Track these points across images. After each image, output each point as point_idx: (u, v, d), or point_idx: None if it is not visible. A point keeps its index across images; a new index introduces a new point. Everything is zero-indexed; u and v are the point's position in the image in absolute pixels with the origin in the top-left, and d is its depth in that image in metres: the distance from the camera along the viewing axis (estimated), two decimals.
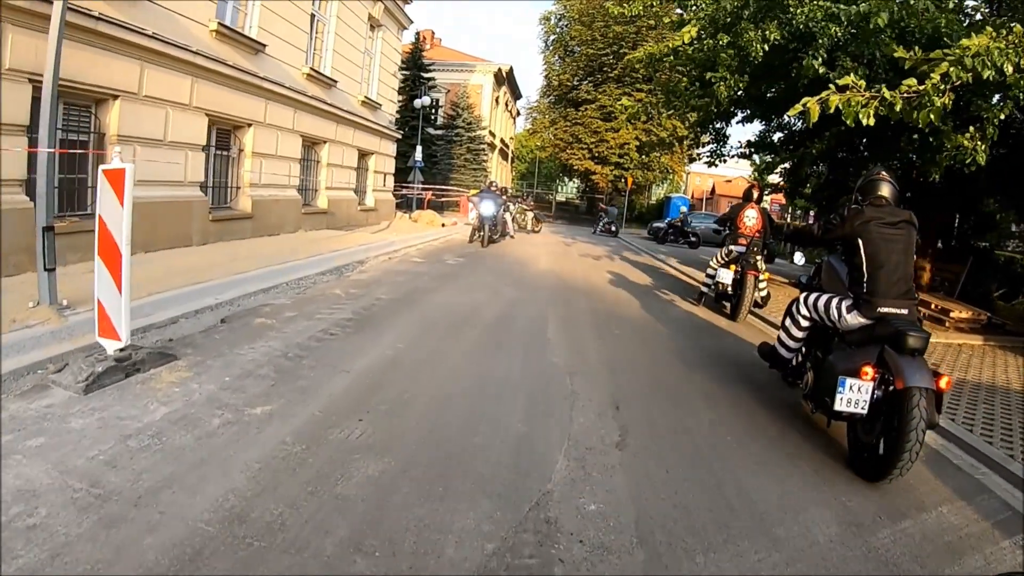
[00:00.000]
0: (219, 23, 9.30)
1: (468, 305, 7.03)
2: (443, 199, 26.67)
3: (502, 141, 43.98)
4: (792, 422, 4.24)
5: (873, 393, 3.41)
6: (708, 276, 8.82)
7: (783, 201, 41.01)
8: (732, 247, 8.20)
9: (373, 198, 17.18)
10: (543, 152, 48.63)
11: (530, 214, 22.03)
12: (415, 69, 31.24)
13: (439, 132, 34.18)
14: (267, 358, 4.34)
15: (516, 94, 48.70)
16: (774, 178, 14.24)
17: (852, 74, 6.16)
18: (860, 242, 3.78)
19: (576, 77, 36.77)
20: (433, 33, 41.78)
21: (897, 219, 3.76)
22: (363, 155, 16.42)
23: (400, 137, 19.53)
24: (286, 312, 5.83)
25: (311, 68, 12.35)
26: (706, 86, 8.53)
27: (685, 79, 9.70)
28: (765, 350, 4.91)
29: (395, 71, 18.20)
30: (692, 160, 12.39)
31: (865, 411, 3.41)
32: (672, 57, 9.00)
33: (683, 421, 3.99)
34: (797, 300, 4.47)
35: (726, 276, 8.13)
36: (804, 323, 4.33)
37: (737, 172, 56.93)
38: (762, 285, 8.13)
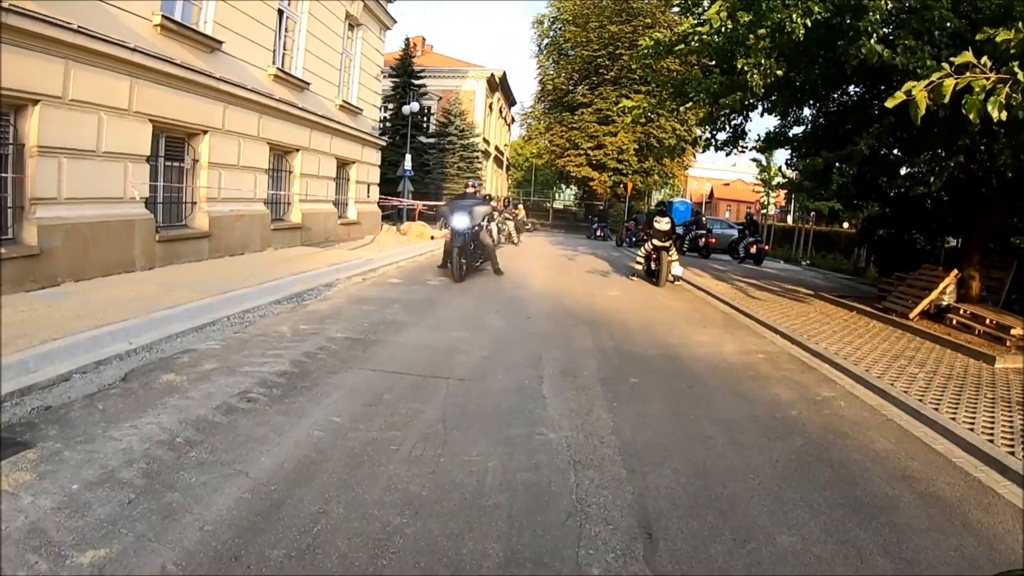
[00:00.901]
0: (164, 16, 8.11)
1: (440, 348, 5.61)
2: (433, 210, 25.41)
3: (497, 149, 42.83)
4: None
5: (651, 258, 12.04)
6: (636, 261, 12.88)
7: (783, 203, 39.97)
8: (652, 241, 12.16)
9: (355, 210, 15.93)
10: (539, 159, 47.40)
11: (511, 223, 19.43)
12: (405, 76, 30.13)
13: (431, 140, 33.01)
14: (146, 447, 3.08)
15: (510, 100, 47.59)
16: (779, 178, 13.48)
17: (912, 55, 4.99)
18: (652, 229, 11.89)
19: (571, 81, 35.56)
20: (424, 40, 40.71)
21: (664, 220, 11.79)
22: (343, 164, 15.19)
23: (385, 144, 18.33)
24: (206, 362, 4.55)
25: (279, 68, 11.17)
26: (732, 73, 7.24)
27: (696, 68, 8.46)
28: (639, 271, 12.49)
29: (377, 74, 17.00)
30: (717, 149, 11.05)
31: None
32: (683, 45, 7.72)
33: (752, 558, 2.59)
34: (643, 244, 12.55)
35: (644, 262, 12.54)
36: (644, 252, 12.25)
37: (735, 175, 56.01)
38: (676, 269, 12.13)
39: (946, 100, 2.90)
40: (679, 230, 23.10)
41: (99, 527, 2.40)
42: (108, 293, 6.27)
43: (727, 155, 11.03)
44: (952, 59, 2.97)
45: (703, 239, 21.41)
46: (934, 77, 2.94)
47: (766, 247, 21.56)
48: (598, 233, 28.13)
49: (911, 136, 7.95)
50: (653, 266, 12.12)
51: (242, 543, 2.37)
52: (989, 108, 2.94)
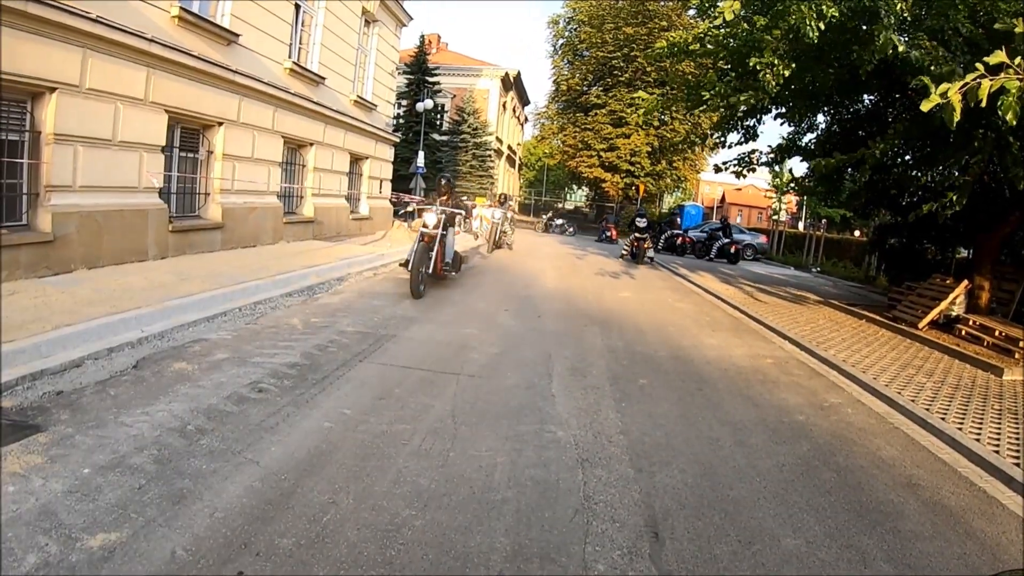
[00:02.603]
0: (181, 8, 8.17)
1: (451, 344, 5.63)
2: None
3: (510, 148, 42.87)
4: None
5: (633, 245, 17.36)
6: (623, 248, 18.14)
7: (795, 210, 39.76)
8: (634, 234, 17.39)
9: (367, 206, 16.00)
10: (552, 160, 47.33)
11: (509, 223, 17.52)
12: (419, 73, 30.22)
13: (444, 138, 33.09)
14: (157, 433, 3.12)
15: (524, 100, 47.61)
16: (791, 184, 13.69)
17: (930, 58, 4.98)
18: (634, 226, 17.76)
19: (585, 81, 35.49)
20: (439, 37, 40.81)
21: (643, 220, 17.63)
22: (356, 159, 15.26)
23: (398, 141, 18.38)
24: (217, 352, 4.60)
25: (294, 63, 11.21)
26: (746, 76, 7.22)
27: (712, 71, 8.41)
28: (625, 254, 17.76)
29: (392, 70, 17.05)
30: (718, 170, 10.90)
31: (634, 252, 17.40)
32: (699, 46, 7.70)
33: (757, 560, 2.60)
34: (629, 237, 18.22)
35: (628, 247, 17.65)
36: (629, 242, 17.68)
37: (747, 180, 55.86)
38: (650, 253, 17.71)
39: (983, 103, 2.87)
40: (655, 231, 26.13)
41: (109, 512, 2.44)
42: (120, 281, 6.34)
43: (738, 176, 10.76)
44: (986, 59, 2.93)
45: (679, 239, 24.35)
46: (969, 78, 2.90)
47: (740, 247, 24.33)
48: (569, 230, 30.50)
49: (925, 144, 7.90)
50: (634, 251, 17.40)
51: (252, 530, 2.40)
52: None
